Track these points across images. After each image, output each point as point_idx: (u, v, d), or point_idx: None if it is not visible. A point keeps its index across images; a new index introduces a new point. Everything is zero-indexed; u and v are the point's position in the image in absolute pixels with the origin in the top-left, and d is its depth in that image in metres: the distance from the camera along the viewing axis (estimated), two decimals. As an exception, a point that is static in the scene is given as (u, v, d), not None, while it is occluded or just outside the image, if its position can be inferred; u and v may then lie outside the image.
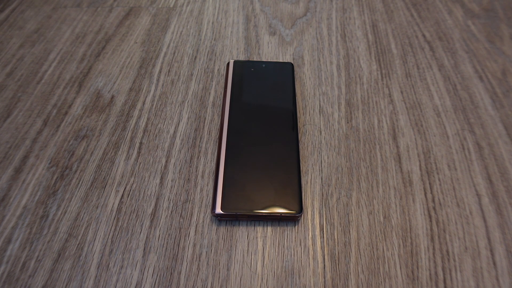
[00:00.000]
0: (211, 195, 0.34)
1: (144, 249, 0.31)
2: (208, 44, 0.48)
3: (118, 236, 0.31)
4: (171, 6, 0.54)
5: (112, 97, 0.42)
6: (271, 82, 0.42)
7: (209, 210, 0.33)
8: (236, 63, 0.43)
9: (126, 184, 0.35)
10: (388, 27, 0.51)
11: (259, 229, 0.32)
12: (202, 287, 0.29)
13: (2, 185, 0.35)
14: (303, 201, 0.34)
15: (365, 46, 0.48)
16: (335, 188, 0.35)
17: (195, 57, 0.47)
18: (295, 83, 0.43)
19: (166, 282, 0.29)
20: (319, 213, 0.33)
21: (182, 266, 0.30)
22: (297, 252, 0.31)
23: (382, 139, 0.38)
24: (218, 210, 0.31)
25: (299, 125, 0.39)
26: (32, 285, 0.29)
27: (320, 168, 0.36)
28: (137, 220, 0.32)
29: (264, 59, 0.46)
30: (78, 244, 0.31)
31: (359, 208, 0.33)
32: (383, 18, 0.53)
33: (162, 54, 0.47)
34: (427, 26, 0.51)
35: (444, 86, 0.44)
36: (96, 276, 0.29)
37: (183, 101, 0.42)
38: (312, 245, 0.31)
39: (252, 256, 0.30)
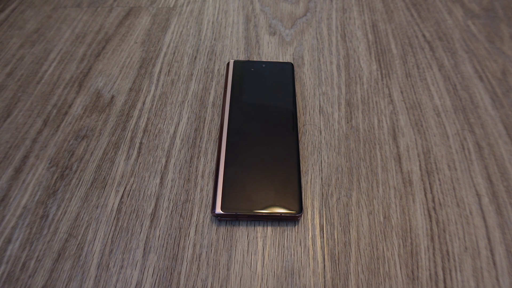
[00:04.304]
0: (211, 195, 0.34)
1: (144, 249, 0.31)
2: (208, 44, 0.48)
3: (118, 236, 0.31)
4: (171, 6, 0.54)
5: (112, 97, 0.42)
6: (271, 82, 0.42)
7: (209, 210, 0.33)
8: (236, 63, 0.43)
9: (126, 184, 0.35)
10: (388, 27, 0.51)
11: (259, 229, 0.32)
12: (202, 287, 0.29)
13: (2, 185, 0.35)
14: (303, 201, 0.34)
15: (365, 46, 0.48)
16: (335, 188, 0.35)
17: (195, 57, 0.47)
18: (295, 83, 0.43)
19: (166, 282, 0.29)
20: (319, 213, 0.33)
21: (182, 266, 0.30)
22: (297, 252, 0.31)
23: (382, 139, 0.38)
24: (218, 210, 0.31)
25: (299, 125, 0.39)
26: (32, 285, 0.29)
27: (320, 168, 0.36)
28: (137, 220, 0.32)
29: (264, 59, 0.46)
30: (78, 244, 0.31)
31: (359, 208, 0.33)
32: (383, 18, 0.53)
33: (162, 54, 0.47)
34: (427, 26, 0.51)
35: (444, 86, 0.44)
36: (96, 276, 0.29)
37: (183, 101, 0.42)
38: (312, 245, 0.31)
39: (252, 256, 0.30)
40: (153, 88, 0.43)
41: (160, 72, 0.45)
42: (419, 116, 0.40)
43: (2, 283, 0.29)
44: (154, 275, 0.29)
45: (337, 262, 0.30)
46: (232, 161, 0.34)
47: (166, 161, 0.36)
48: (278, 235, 0.32)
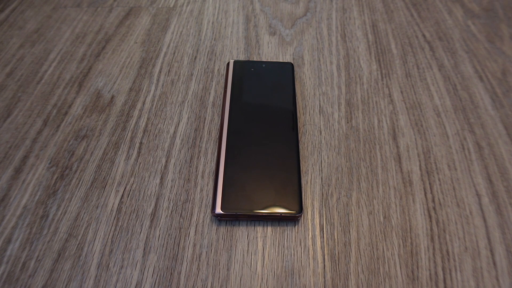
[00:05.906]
0: (211, 195, 0.34)
1: (144, 249, 0.31)
2: (208, 44, 0.48)
3: (118, 236, 0.31)
4: (171, 6, 0.54)
5: (112, 97, 0.42)
6: (271, 82, 0.42)
7: (209, 210, 0.33)
8: (236, 63, 0.43)
9: (126, 184, 0.35)
10: (388, 27, 0.51)
11: (259, 229, 0.32)
12: (202, 287, 0.29)
13: (2, 185, 0.35)
14: (303, 201, 0.34)
15: (365, 46, 0.48)
16: (335, 188, 0.35)
17: (195, 57, 0.47)
18: (295, 83, 0.43)
19: (166, 282, 0.29)
20: (319, 213, 0.33)
21: (182, 266, 0.30)
22: (297, 252, 0.31)
23: (382, 139, 0.38)
24: (218, 210, 0.31)
25: (299, 125, 0.39)
26: (32, 285, 0.29)
27: (320, 168, 0.36)
28: (137, 220, 0.32)
29: (264, 59, 0.46)
30: (78, 244, 0.31)
31: (359, 208, 0.33)
32: (383, 18, 0.53)
33: (162, 54, 0.47)
34: (427, 26, 0.51)
35: (444, 86, 0.44)
36: (96, 276, 0.29)
37: (183, 101, 0.42)
38: (312, 245, 0.31)
39: (252, 256, 0.30)
40: (153, 88, 0.43)
41: (160, 72, 0.45)
42: (419, 116, 0.40)
43: (2, 283, 0.29)
44: (154, 275, 0.29)
45: (337, 262, 0.30)
46: (232, 161, 0.34)
47: (166, 161, 0.36)
48: (278, 235, 0.32)
